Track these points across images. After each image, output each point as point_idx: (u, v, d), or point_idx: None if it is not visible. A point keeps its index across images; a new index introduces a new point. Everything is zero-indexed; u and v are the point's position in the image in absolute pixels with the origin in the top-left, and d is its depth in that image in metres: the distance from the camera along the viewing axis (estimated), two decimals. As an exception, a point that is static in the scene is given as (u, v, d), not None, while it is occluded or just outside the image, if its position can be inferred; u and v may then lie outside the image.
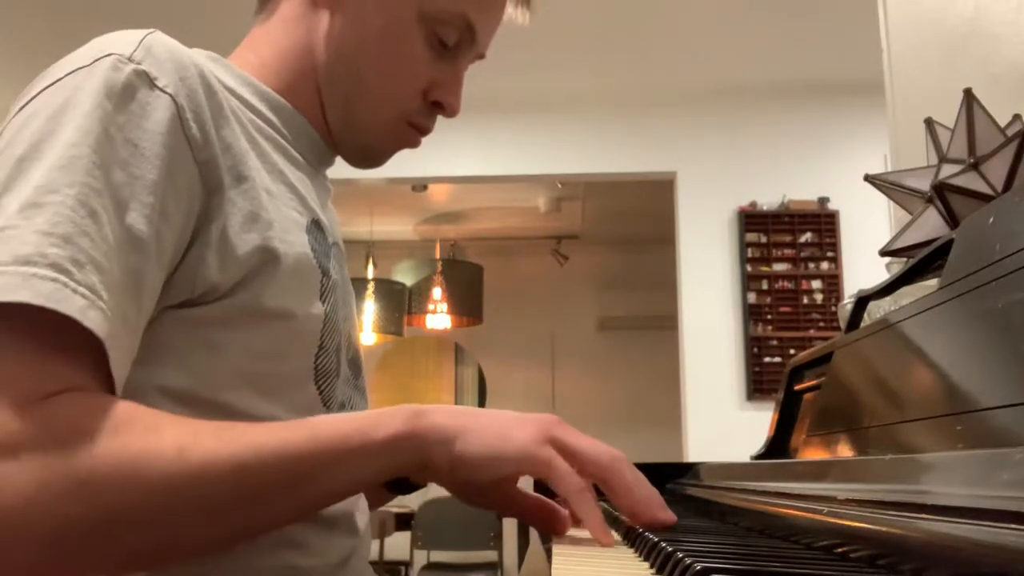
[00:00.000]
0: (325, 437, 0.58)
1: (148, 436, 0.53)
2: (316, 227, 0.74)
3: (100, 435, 0.52)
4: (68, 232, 0.53)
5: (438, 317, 6.02)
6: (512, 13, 0.82)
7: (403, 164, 4.18)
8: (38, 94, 0.61)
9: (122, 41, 0.62)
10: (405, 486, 0.74)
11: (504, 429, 0.61)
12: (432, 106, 0.79)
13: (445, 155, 4.48)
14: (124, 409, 0.54)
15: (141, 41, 0.62)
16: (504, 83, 4.37)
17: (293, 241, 0.69)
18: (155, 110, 0.60)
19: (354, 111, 0.78)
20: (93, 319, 0.53)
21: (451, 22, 0.75)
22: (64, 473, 0.50)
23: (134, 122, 0.59)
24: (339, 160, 0.84)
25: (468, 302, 6.09)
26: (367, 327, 5.63)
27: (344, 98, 0.78)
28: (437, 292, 5.98)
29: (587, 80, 4.40)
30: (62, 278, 0.52)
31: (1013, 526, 0.32)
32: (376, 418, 0.60)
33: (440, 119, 0.82)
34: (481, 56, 0.81)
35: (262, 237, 0.65)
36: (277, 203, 0.69)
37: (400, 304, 5.86)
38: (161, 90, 0.61)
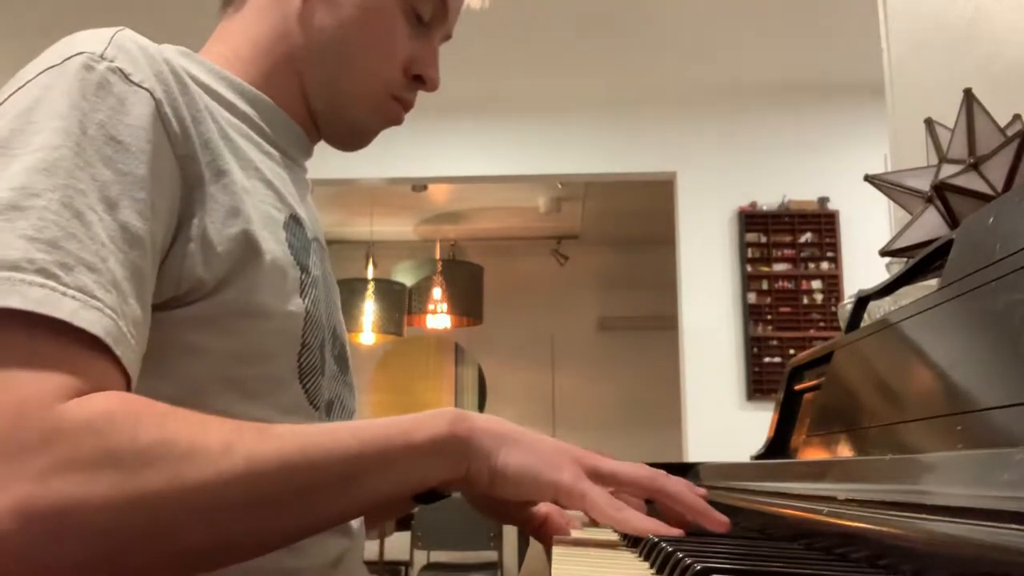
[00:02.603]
0: (369, 438, 0.57)
1: (194, 430, 0.52)
2: (295, 222, 0.74)
3: (146, 430, 0.51)
4: (54, 236, 0.53)
5: (438, 317, 6.02)
6: None
7: (403, 164, 4.21)
8: (8, 98, 0.59)
9: (92, 39, 0.62)
10: (430, 495, 0.71)
11: (544, 454, 0.61)
12: (413, 80, 0.82)
13: (445, 155, 4.46)
14: (161, 406, 0.54)
15: (112, 38, 0.62)
16: (504, 83, 4.38)
17: (269, 238, 0.68)
18: (134, 105, 0.60)
19: (340, 89, 0.79)
20: (86, 318, 0.52)
21: None
22: (112, 467, 0.49)
23: (115, 118, 0.59)
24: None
25: (468, 302, 6.08)
26: (367, 327, 5.63)
27: (329, 77, 0.79)
28: (437, 292, 5.98)
29: (587, 80, 4.39)
30: (50, 283, 0.51)
31: (1013, 526, 0.32)
32: (417, 421, 0.59)
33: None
34: (448, 36, 0.85)
35: (243, 231, 0.65)
36: (253, 200, 0.69)
37: (400, 304, 5.86)
38: (138, 85, 0.61)
